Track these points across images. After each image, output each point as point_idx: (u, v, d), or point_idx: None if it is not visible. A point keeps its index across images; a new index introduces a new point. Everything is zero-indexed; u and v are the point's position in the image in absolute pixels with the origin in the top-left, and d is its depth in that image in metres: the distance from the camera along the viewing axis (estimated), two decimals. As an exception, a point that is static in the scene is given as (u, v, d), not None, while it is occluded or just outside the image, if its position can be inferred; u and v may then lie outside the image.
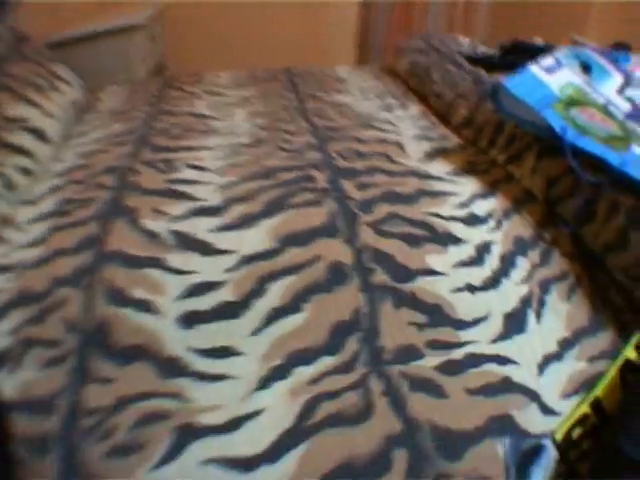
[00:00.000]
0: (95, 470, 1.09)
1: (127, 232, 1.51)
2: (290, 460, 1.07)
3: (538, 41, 2.71)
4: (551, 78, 1.78)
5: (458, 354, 1.22)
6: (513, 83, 1.77)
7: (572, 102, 1.69)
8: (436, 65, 2.54)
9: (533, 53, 2.05)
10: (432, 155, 1.86)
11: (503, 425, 1.12)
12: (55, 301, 1.35)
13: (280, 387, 1.16)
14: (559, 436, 1.12)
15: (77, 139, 2.21)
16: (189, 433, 1.12)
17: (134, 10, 3.71)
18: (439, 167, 1.77)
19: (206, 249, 1.44)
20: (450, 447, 1.08)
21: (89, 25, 3.56)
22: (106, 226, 1.53)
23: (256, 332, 1.25)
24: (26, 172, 1.84)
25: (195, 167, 1.83)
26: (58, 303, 1.34)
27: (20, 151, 1.89)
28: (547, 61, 1.82)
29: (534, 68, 1.80)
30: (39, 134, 2.06)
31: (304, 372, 1.18)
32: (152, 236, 1.49)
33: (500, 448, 1.10)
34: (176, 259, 1.42)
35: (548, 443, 1.12)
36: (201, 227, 1.51)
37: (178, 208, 1.59)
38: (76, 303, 1.34)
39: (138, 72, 3.58)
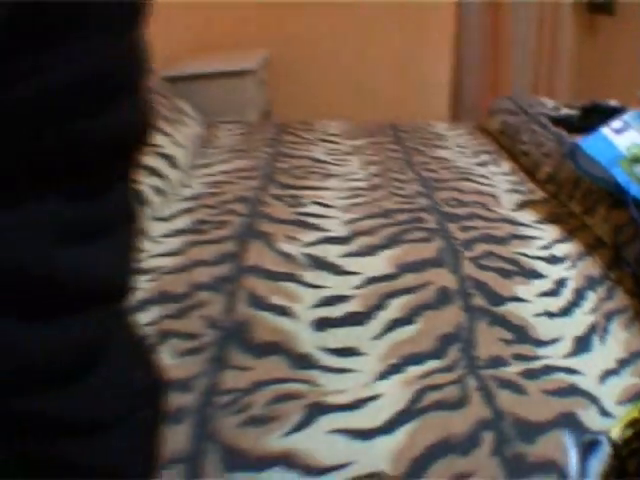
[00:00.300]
0: (228, 436, 1.18)
1: (264, 251, 1.70)
2: (402, 433, 1.17)
3: (613, 103, 2.75)
4: (619, 139, 1.89)
5: (536, 365, 1.33)
6: (587, 144, 1.90)
7: (636, 160, 1.81)
8: (524, 126, 2.64)
9: (608, 114, 2.14)
10: (521, 206, 2.01)
11: (569, 421, 1.20)
12: (195, 302, 1.51)
13: (396, 379, 1.30)
14: (614, 435, 1.20)
15: (201, 170, 2.41)
16: (318, 410, 1.23)
17: (244, 56, 3.73)
18: (527, 216, 1.93)
19: (336, 270, 1.62)
20: (526, 433, 1.17)
21: (198, 64, 3.58)
22: (243, 245, 1.72)
23: (377, 337, 1.41)
24: (159, 192, 2.04)
25: (320, 204, 2.03)
26: (198, 304, 1.50)
27: (154, 173, 2.09)
28: (616, 123, 1.94)
29: (605, 130, 1.92)
30: (171, 160, 2.27)
31: (415, 370, 1.32)
32: (287, 256, 1.68)
33: (565, 438, 1.17)
34: (310, 276, 1.60)
35: (604, 440, 1.20)
36: (331, 252, 1.70)
37: (309, 236, 1.79)
38: (217, 305, 1.50)
39: (248, 114, 3.58)
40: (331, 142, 2.78)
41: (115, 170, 0.59)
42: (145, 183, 1.99)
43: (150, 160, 2.13)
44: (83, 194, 0.55)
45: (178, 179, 2.29)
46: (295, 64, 4.04)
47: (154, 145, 2.26)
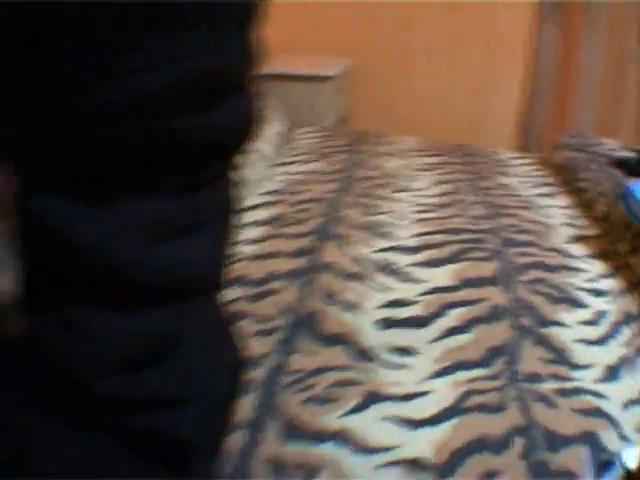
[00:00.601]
0: (290, 410, 1.24)
1: (338, 251, 1.76)
2: (446, 427, 1.23)
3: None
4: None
5: (568, 385, 1.36)
6: (637, 188, 1.93)
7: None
8: (584, 164, 2.63)
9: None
10: (574, 239, 2.03)
11: (590, 439, 1.23)
12: (271, 289, 1.58)
13: (446, 379, 1.35)
14: (628, 458, 1.23)
15: (281, 167, 2.45)
16: (374, 397, 1.29)
17: (327, 62, 3.67)
18: (578, 249, 1.96)
19: (404, 277, 1.68)
20: (552, 443, 1.20)
21: (282, 65, 3.45)
22: (319, 243, 1.79)
23: (433, 341, 1.47)
24: (244, 182, 2.12)
25: (392, 215, 2.08)
26: (273, 291, 1.57)
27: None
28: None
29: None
30: (259, 154, 2.32)
31: (463, 374, 1.37)
32: (359, 259, 1.74)
33: (585, 454, 1.20)
34: (379, 279, 1.67)
35: (618, 461, 1.22)
36: (400, 260, 1.76)
37: (380, 243, 1.85)
38: (291, 294, 1.57)
39: (324, 119, 3.53)
40: (405, 157, 2.79)
41: (214, 168, 0.56)
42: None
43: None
44: (180, 191, 0.53)
45: (262, 173, 2.34)
46: (375, 74, 3.99)
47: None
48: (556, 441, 1.22)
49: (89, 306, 0.52)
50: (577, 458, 1.20)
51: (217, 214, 0.59)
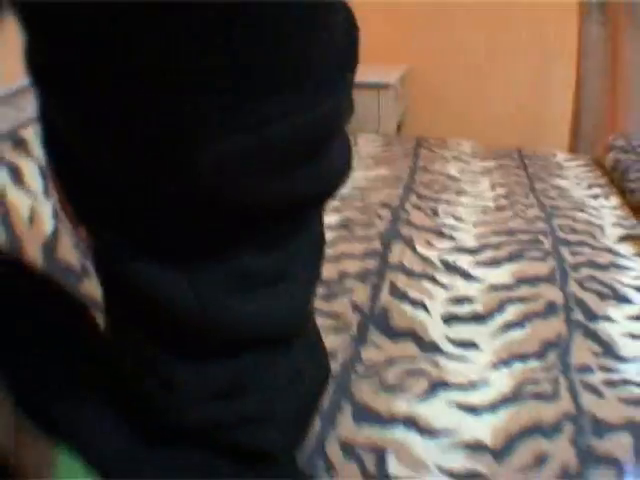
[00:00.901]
0: (362, 397, 1.28)
1: (405, 252, 1.80)
2: (503, 413, 1.25)
3: None
4: None
5: (615, 377, 1.36)
6: None
7: None
8: (633, 165, 2.57)
9: None
10: (622, 239, 2.02)
11: (633, 427, 1.22)
12: (343, 288, 1.62)
13: (504, 370, 1.38)
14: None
15: None
16: (439, 385, 1.32)
17: (385, 69, 3.56)
18: (626, 248, 1.95)
19: (466, 275, 1.72)
20: (598, 430, 1.21)
21: None
22: (387, 245, 1.82)
23: (493, 335, 1.50)
24: None
25: (454, 217, 2.10)
26: (346, 290, 1.61)
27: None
28: None
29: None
30: None
31: (520, 366, 1.39)
32: (425, 259, 1.77)
33: (628, 441, 1.20)
34: (444, 278, 1.70)
35: None
36: (462, 260, 1.79)
37: (444, 244, 1.88)
38: (362, 293, 1.60)
39: (385, 126, 3.43)
40: (463, 161, 2.78)
41: (310, 215, 0.51)
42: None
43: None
44: (272, 243, 0.47)
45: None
46: (429, 80, 3.88)
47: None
48: (602, 428, 1.23)
49: (175, 356, 0.48)
50: (620, 444, 1.20)
51: (310, 254, 0.53)
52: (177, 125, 0.39)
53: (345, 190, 2.27)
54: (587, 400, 1.30)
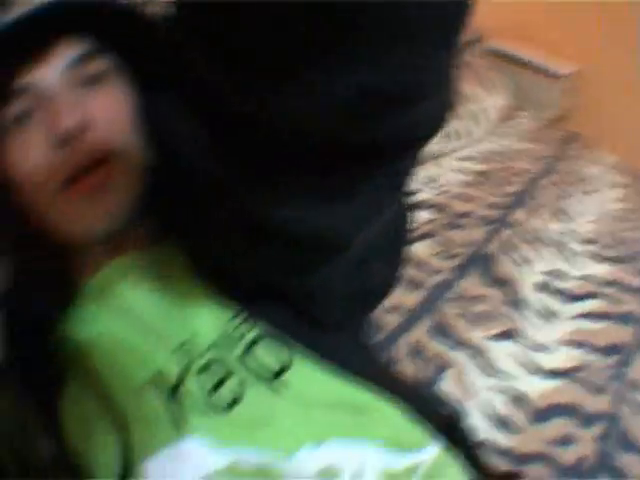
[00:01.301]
0: (445, 317, 1.36)
1: (524, 218, 1.82)
2: (552, 383, 1.31)
3: None
4: None
5: None
6: None
7: None
8: None
9: None
10: None
11: None
12: (465, 223, 1.72)
13: (569, 350, 1.43)
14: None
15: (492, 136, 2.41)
16: (512, 335, 1.40)
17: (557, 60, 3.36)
18: None
19: (570, 257, 1.75)
20: (625, 443, 1.24)
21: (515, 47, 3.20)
22: (513, 209, 1.86)
23: (573, 317, 1.53)
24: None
25: (575, 206, 2.05)
26: (465, 226, 1.70)
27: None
28: None
29: None
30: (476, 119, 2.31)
31: (584, 353, 1.42)
32: (539, 230, 1.80)
33: None
34: (550, 252, 1.74)
35: None
36: (573, 243, 1.82)
37: (561, 225, 1.89)
38: (478, 234, 1.68)
39: (543, 113, 3.14)
40: (600, 167, 2.50)
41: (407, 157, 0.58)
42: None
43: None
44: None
45: (479, 133, 2.34)
46: (601, 82, 3.52)
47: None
48: (629, 443, 1.25)
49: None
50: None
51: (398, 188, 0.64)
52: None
53: (488, 147, 2.26)
54: (626, 412, 1.32)
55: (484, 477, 0.77)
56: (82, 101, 0.72)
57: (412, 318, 1.35)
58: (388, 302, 1.17)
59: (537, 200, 2.00)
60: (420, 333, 1.33)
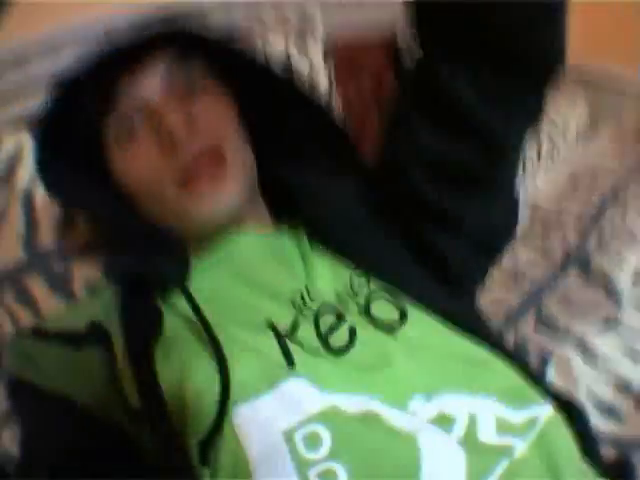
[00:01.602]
0: (549, 307, 1.38)
1: (619, 217, 1.81)
2: None
3: None
4: None
5: None
6: None
7: None
8: None
9: None
10: None
11: None
12: (564, 222, 1.74)
13: None
14: None
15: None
16: (613, 325, 1.39)
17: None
18: None
19: None
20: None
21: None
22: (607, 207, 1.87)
23: None
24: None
25: None
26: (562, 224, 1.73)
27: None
28: None
29: None
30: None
31: None
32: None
33: None
34: None
35: None
36: None
37: None
38: (575, 234, 1.72)
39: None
40: None
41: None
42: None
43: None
44: None
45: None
46: None
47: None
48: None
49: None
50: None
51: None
52: None
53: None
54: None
55: (598, 466, 0.75)
56: (185, 104, 0.76)
57: (516, 313, 1.38)
58: (490, 296, 1.23)
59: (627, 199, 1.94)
60: (524, 327, 1.36)
